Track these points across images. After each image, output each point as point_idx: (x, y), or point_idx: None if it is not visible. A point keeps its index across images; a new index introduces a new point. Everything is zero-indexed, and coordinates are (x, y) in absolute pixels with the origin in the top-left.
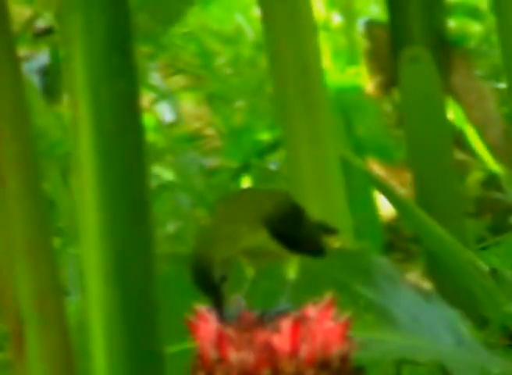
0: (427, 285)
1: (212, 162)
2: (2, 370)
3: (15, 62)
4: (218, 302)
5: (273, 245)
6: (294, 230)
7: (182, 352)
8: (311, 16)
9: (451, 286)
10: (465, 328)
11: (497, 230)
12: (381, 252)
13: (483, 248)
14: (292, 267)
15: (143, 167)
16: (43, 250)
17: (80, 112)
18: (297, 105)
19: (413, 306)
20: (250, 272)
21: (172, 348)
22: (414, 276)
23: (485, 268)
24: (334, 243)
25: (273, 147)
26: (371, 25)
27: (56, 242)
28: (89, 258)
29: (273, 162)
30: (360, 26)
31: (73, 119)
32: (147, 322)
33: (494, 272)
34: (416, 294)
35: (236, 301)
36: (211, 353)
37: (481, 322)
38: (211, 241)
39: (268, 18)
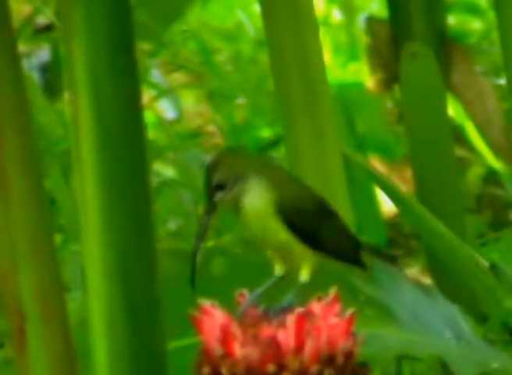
0: (427, 281)
1: None
2: (4, 367)
3: (15, 59)
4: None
5: (291, 240)
6: (314, 227)
7: (186, 348)
8: (312, 12)
9: (451, 282)
10: (465, 323)
11: (497, 225)
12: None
13: (483, 244)
14: (305, 268)
15: (144, 164)
16: (44, 247)
17: (81, 109)
18: (298, 101)
19: (413, 302)
20: (278, 270)
21: (176, 344)
22: (415, 272)
23: (485, 264)
24: None
25: (274, 143)
26: (371, 21)
27: (58, 239)
28: (90, 255)
29: (274, 159)
30: (360, 22)
31: (74, 116)
32: (149, 318)
33: (494, 267)
34: (416, 290)
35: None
36: (216, 349)
37: (481, 317)
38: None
39: (268, 14)
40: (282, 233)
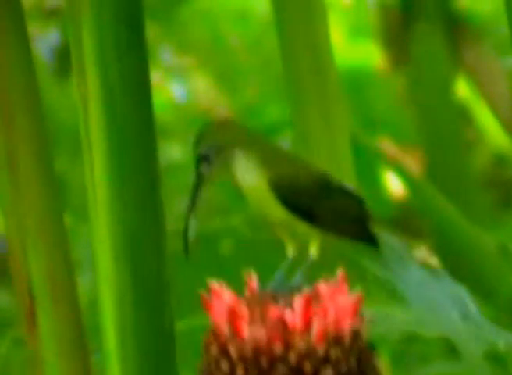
0: (434, 261)
1: None
2: (14, 347)
3: (25, 41)
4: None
5: (290, 218)
6: (312, 205)
7: (195, 328)
8: None
9: (459, 262)
10: (472, 304)
11: (506, 205)
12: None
13: (492, 225)
14: (313, 244)
15: (152, 145)
16: (54, 228)
17: (89, 90)
18: (307, 84)
19: (420, 282)
20: (290, 251)
21: (185, 324)
22: (422, 252)
23: (494, 244)
24: None
25: (284, 125)
26: (382, 1)
27: (68, 220)
28: (99, 237)
29: (284, 141)
30: (371, 2)
31: (82, 98)
32: (158, 299)
33: (502, 248)
34: (423, 271)
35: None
36: (224, 329)
37: (488, 298)
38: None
39: None
40: (278, 211)
